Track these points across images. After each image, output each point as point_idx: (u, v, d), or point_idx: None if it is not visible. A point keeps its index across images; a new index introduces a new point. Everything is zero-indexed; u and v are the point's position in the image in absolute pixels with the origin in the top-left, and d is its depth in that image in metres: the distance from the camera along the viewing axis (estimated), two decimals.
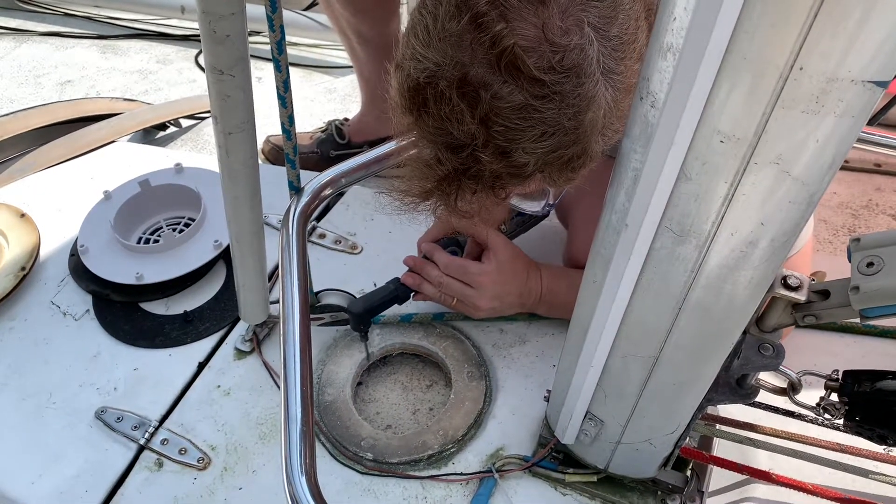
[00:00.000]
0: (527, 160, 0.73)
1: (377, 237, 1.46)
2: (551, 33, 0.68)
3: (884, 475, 0.92)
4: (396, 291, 1.19)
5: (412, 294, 1.21)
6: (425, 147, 0.75)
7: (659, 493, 1.02)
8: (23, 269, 1.37)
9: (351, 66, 1.88)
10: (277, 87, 0.86)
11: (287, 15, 2.42)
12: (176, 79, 2.38)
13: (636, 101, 0.62)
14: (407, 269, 1.21)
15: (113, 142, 1.81)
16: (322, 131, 1.83)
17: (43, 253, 1.44)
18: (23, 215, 1.47)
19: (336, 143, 1.79)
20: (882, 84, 0.50)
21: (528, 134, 0.71)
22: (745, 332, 0.77)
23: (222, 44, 0.77)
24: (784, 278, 0.72)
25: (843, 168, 1.71)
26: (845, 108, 0.51)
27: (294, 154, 0.95)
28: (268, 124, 1.85)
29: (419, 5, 0.73)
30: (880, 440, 0.78)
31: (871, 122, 1.31)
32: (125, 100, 2.13)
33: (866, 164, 1.71)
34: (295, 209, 0.94)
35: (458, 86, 0.69)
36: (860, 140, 1.12)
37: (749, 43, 0.49)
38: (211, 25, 0.75)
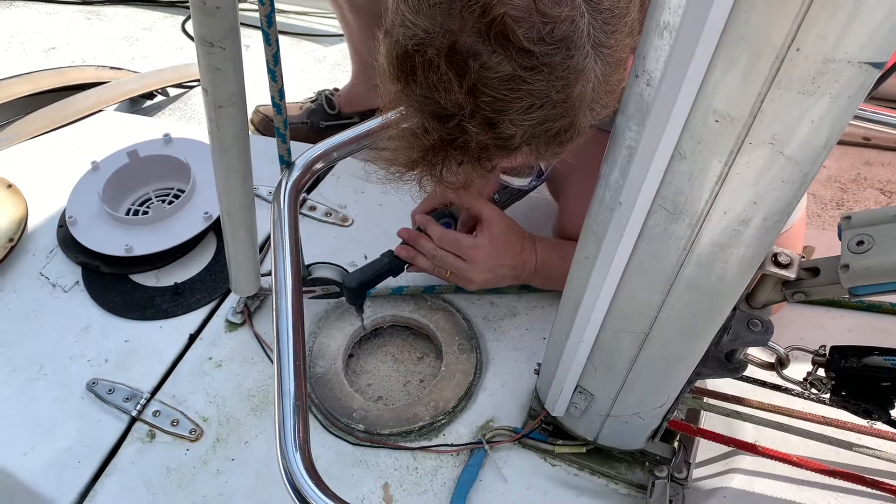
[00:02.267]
0: (514, 132, 0.72)
1: (368, 209, 1.45)
2: (542, 4, 0.67)
3: (866, 447, 0.94)
4: (391, 264, 1.19)
5: (406, 266, 1.21)
6: (412, 116, 0.74)
7: (647, 464, 1.03)
8: (11, 240, 1.36)
9: (340, 35, 1.86)
10: (267, 61, 0.85)
11: None
12: (162, 46, 2.35)
13: (632, 79, 0.62)
14: (401, 241, 1.21)
15: (100, 111, 1.78)
16: (312, 101, 1.81)
17: (31, 224, 1.43)
18: (9, 186, 1.45)
19: (326, 113, 1.77)
20: (878, 65, 0.50)
21: (515, 105, 0.70)
22: (734, 309, 0.78)
23: (212, 15, 0.76)
24: (775, 256, 0.73)
25: None
26: (841, 88, 0.51)
27: (284, 128, 0.94)
28: (256, 94, 1.83)
29: None
30: (865, 414, 0.80)
31: None
32: (111, 68, 2.09)
33: (855, 138, 1.71)
34: (286, 183, 0.94)
35: (447, 54, 0.68)
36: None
37: (746, 23, 0.49)
38: None
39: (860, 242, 0.67)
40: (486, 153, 0.76)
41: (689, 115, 0.56)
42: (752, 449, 0.96)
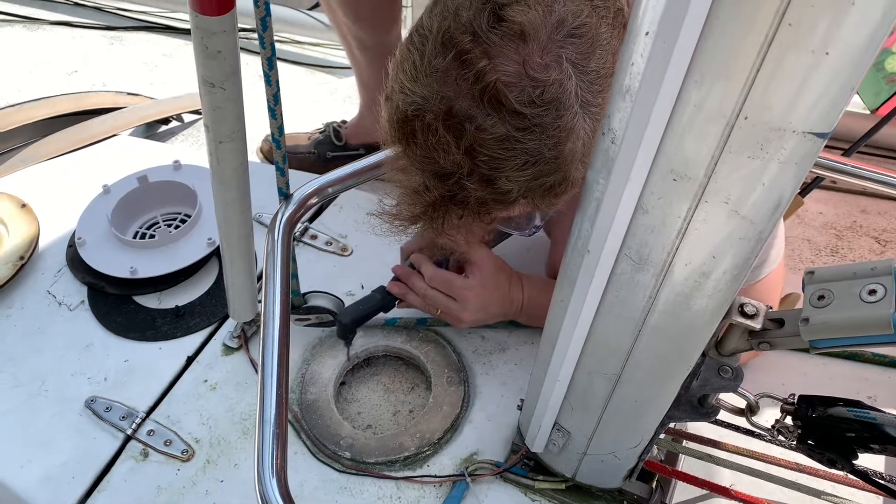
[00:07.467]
0: (510, 187, 0.77)
1: (367, 240, 1.49)
2: (531, 69, 0.71)
3: (836, 496, 0.96)
4: (382, 301, 1.22)
5: (397, 302, 1.24)
6: (414, 174, 0.79)
7: (625, 502, 1.05)
8: (21, 258, 1.41)
9: None
10: (268, 100, 0.90)
11: (291, 14, 2.46)
12: (181, 72, 2.41)
13: (599, 136, 0.65)
14: (393, 276, 1.25)
15: (115, 135, 1.84)
16: (320, 132, 1.86)
17: (42, 243, 1.47)
18: (24, 205, 1.50)
19: (333, 144, 1.82)
20: (822, 135, 0.53)
21: (510, 163, 0.74)
22: (704, 355, 0.80)
23: (214, 59, 0.81)
24: (741, 306, 0.75)
25: (829, 188, 1.74)
26: (788, 155, 0.54)
27: (283, 163, 0.98)
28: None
29: (407, 41, 0.76)
30: (829, 463, 0.81)
31: (848, 153, 1.34)
32: (129, 94, 2.16)
33: (853, 186, 1.73)
34: (282, 217, 0.97)
35: (444, 118, 0.73)
36: (842, 172, 1.15)
37: (698, 92, 0.52)
38: (203, 41, 0.78)
39: (821, 297, 0.69)
40: (485, 207, 0.80)
41: (649, 173, 0.59)
42: (725, 493, 0.97)
